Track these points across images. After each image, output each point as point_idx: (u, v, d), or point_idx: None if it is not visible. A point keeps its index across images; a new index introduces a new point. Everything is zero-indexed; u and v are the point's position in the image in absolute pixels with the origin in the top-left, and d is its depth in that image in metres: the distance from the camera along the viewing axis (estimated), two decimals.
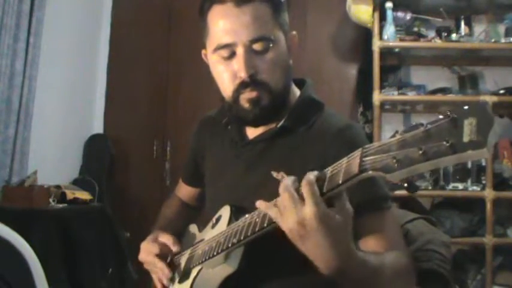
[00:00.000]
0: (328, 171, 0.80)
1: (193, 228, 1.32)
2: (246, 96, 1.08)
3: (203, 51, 1.19)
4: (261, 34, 1.06)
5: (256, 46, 1.07)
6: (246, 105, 1.09)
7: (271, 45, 1.08)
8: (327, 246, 0.79)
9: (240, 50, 1.06)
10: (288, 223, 0.80)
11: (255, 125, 1.15)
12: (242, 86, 1.08)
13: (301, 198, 0.79)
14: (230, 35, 1.06)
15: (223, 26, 1.07)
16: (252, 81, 1.07)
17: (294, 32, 1.16)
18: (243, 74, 1.06)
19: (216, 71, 1.13)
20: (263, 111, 1.10)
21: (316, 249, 0.81)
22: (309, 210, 0.77)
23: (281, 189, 0.81)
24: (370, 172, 0.70)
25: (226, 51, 1.08)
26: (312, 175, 0.79)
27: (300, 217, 0.78)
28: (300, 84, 1.21)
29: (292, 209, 0.79)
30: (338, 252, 0.80)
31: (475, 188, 3.03)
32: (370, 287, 0.88)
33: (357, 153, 0.74)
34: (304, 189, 0.78)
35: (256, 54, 1.07)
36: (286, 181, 0.82)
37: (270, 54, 1.08)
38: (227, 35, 1.06)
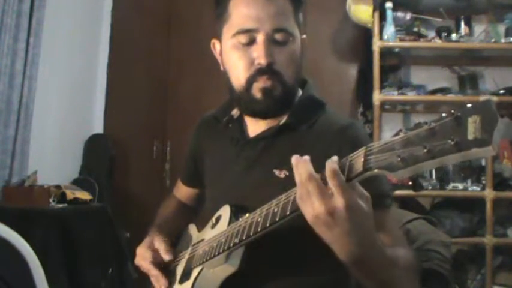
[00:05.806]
0: None
1: (192, 228, 1.31)
2: (260, 84, 1.08)
3: (213, 41, 1.19)
4: (283, 26, 1.08)
5: (278, 36, 1.08)
6: (258, 95, 1.09)
7: (290, 38, 1.09)
8: (353, 234, 0.78)
9: (261, 38, 1.06)
10: (314, 211, 0.77)
11: (264, 116, 1.14)
12: (259, 73, 1.07)
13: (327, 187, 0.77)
14: (254, 20, 1.06)
15: (248, 12, 1.07)
16: (269, 70, 1.07)
17: (304, 36, 1.17)
18: (262, 61, 1.06)
19: (230, 57, 1.12)
20: (275, 102, 1.10)
21: (341, 238, 0.78)
22: (339, 201, 0.75)
23: (304, 177, 0.78)
24: (376, 170, 0.70)
25: (246, 36, 1.08)
26: (334, 164, 0.76)
27: (330, 207, 0.76)
28: (301, 84, 1.20)
29: (320, 199, 0.76)
30: (363, 240, 0.79)
31: (475, 188, 3.02)
32: (384, 277, 0.87)
33: (361, 152, 0.74)
34: (331, 181, 0.76)
35: (275, 45, 1.08)
36: (310, 170, 0.78)
37: (288, 48, 1.09)
38: (251, 21, 1.07)
